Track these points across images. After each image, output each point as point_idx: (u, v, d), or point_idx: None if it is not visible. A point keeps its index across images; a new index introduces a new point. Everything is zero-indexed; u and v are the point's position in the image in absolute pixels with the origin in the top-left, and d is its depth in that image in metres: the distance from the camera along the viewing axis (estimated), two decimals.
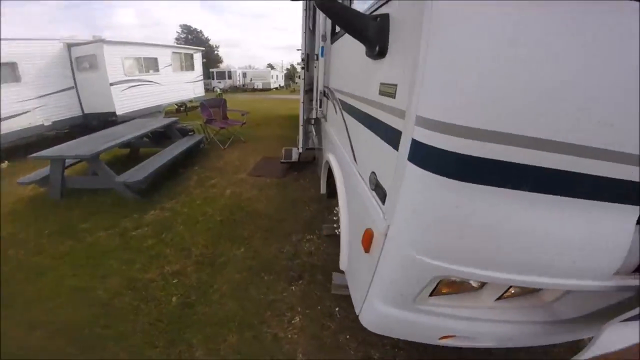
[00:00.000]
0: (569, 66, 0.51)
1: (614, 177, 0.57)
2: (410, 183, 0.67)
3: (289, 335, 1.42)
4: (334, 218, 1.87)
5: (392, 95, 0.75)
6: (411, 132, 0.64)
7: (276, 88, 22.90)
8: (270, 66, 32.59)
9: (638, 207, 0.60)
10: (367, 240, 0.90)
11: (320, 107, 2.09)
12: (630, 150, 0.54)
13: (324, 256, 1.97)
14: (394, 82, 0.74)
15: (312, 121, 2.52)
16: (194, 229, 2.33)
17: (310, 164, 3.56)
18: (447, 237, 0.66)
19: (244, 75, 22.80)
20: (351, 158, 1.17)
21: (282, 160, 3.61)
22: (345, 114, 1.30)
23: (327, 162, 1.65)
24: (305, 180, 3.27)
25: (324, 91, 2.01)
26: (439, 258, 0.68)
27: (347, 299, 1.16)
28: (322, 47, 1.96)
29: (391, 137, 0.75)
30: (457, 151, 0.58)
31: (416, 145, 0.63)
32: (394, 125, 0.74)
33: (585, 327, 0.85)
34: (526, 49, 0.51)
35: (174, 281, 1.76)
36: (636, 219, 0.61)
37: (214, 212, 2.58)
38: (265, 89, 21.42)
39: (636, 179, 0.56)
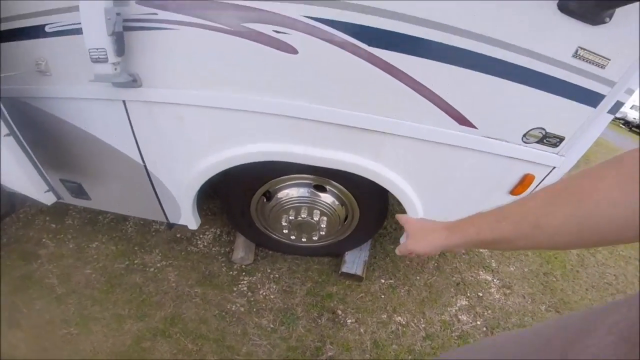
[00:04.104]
0: None
1: None
2: (599, 126, 1.01)
3: None
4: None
5: (600, 66, 0.87)
6: (617, 96, 0.93)
7: None
8: None
9: None
10: (525, 185, 1.13)
11: (119, 53, 0.88)
12: None
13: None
14: (607, 56, 0.85)
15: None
16: None
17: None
18: None
19: None
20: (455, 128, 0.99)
21: None
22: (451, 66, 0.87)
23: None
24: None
25: None
26: None
27: None
28: None
29: (585, 95, 0.93)
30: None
31: (616, 103, 0.95)
32: (592, 88, 0.91)
33: None
34: None
35: None
36: None
37: None
38: None
39: None
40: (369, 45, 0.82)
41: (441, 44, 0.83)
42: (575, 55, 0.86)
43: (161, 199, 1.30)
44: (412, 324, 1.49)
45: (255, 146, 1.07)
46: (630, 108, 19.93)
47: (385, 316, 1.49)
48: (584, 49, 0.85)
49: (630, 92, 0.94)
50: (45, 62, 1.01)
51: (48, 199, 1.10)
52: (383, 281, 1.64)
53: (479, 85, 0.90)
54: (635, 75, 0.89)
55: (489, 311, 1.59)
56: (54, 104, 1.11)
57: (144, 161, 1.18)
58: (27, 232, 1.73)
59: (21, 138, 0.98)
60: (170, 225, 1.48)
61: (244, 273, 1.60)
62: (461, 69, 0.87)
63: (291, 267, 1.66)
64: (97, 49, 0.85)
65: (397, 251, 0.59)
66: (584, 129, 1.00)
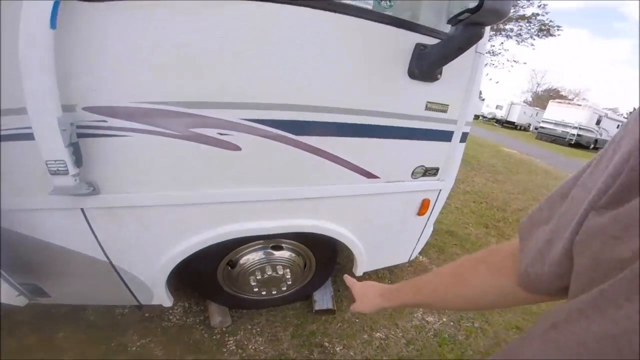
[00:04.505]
0: None
1: None
2: (458, 153, 1.46)
3: None
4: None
5: (444, 111, 1.28)
6: (462, 129, 1.38)
7: None
8: None
9: None
10: (425, 207, 1.52)
11: (78, 163, 0.91)
12: None
13: None
14: (446, 102, 1.27)
15: None
16: None
17: None
18: None
19: None
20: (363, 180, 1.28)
21: None
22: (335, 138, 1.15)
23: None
24: None
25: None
26: None
27: None
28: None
29: (442, 135, 1.35)
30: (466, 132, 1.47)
31: (463, 134, 1.41)
32: (444, 129, 1.34)
33: None
34: None
35: None
36: None
37: None
38: None
39: None
40: (295, 134, 1.08)
41: (341, 123, 1.12)
42: (427, 108, 1.24)
43: (130, 286, 1.30)
44: (392, 336, 1.71)
45: (218, 229, 1.20)
46: (496, 108, 25.34)
47: (366, 336, 1.68)
48: (431, 102, 1.24)
49: (469, 124, 1.40)
50: None
51: (21, 301, 1.10)
52: None
53: (372, 147, 1.23)
54: (467, 111, 1.34)
55: None
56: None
57: (108, 258, 1.19)
58: None
59: None
60: (140, 306, 1.46)
61: (227, 334, 1.63)
62: (357, 138, 1.18)
63: (269, 318, 1.75)
64: (56, 160, 0.84)
65: (350, 309, 0.74)
66: (449, 158, 1.43)
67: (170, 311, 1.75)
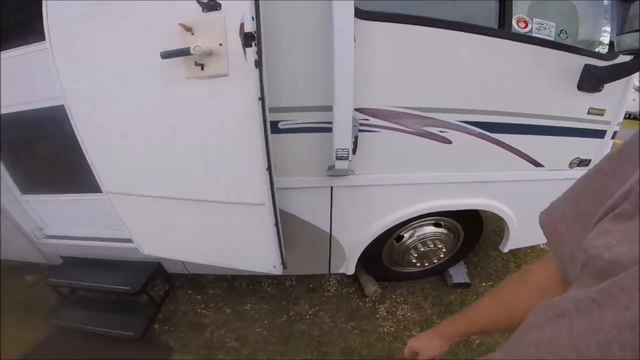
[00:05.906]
0: None
1: None
2: (606, 147, 1.65)
3: None
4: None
5: (601, 114, 1.52)
6: (614, 129, 1.59)
7: None
8: None
9: None
10: None
11: (355, 152, 1.23)
12: None
13: None
14: (603, 107, 1.51)
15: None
16: None
17: None
18: None
19: None
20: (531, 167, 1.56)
21: None
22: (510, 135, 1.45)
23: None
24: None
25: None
26: None
27: None
28: None
29: (596, 133, 1.58)
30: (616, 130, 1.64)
31: (614, 132, 1.60)
32: (599, 128, 1.57)
33: None
34: None
35: None
36: None
37: None
38: None
39: None
40: (491, 132, 1.40)
41: (522, 124, 1.42)
42: (588, 112, 1.50)
43: (332, 256, 1.67)
44: None
45: (419, 205, 1.54)
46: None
47: None
48: (592, 108, 1.49)
49: (619, 124, 1.61)
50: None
51: (279, 270, 1.33)
52: (484, 284, 2.11)
53: (542, 142, 1.50)
54: (619, 113, 1.57)
55: None
56: None
57: (331, 230, 1.54)
58: (178, 306, 1.96)
59: (280, 227, 1.20)
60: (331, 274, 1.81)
61: (376, 303, 1.97)
62: (533, 135, 1.47)
63: (409, 290, 2.07)
64: (343, 149, 1.15)
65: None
66: (600, 151, 1.64)
67: (327, 283, 2.13)
